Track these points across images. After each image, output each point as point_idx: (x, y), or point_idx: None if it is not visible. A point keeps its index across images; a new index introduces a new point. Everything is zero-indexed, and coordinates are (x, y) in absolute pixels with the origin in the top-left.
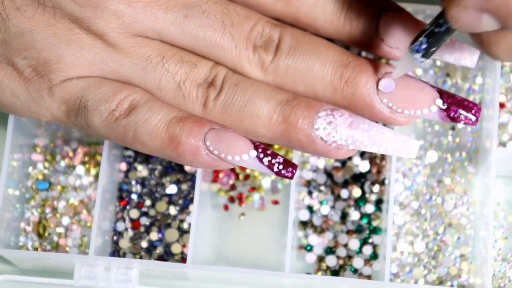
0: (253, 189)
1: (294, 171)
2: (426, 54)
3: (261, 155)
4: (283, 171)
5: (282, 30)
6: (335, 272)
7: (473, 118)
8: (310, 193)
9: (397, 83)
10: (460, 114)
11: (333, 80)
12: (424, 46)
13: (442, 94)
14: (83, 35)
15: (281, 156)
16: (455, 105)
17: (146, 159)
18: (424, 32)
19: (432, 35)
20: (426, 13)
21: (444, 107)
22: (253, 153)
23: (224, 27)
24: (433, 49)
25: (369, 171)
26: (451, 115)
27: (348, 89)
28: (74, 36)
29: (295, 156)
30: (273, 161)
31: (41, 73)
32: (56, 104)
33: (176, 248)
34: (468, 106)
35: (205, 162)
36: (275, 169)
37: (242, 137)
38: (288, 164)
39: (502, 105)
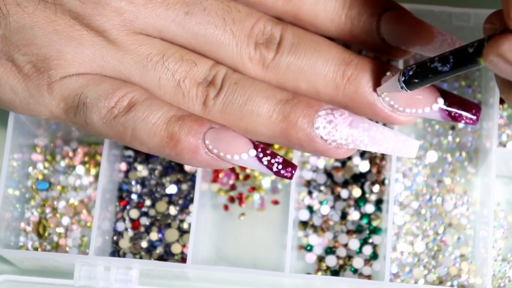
0: (253, 189)
1: (293, 171)
2: (409, 81)
3: (261, 155)
4: (282, 171)
5: (284, 28)
6: (335, 272)
7: (474, 117)
8: (310, 193)
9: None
10: (461, 113)
11: (335, 78)
12: (410, 73)
13: (444, 93)
14: (84, 31)
15: (281, 156)
16: (456, 104)
17: (146, 159)
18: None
19: (423, 67)
20: (426, 13)
21: (445, 107)
22: (253, 152)
23: (225, 24)
24: (416, 80)
25: (369, 171)
26: (452, 114)
27: (350, 87)
28: (75, 32)
29: (295, 156)
30: (273, 161)
31: (40, 70)
32: (55, 101)
33: (176, 248)
34: (469, 105)
35: (204, 161)
36: (274, 169)
37: (241, 136)
38: (287, 164)
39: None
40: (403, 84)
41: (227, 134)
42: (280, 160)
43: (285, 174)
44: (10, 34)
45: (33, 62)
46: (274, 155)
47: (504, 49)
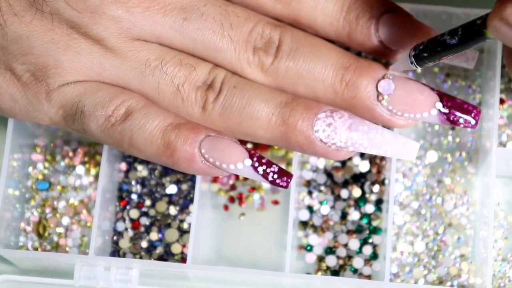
0: (253, 189)
1: (289, 180)
2: (419, 55)
3: (256, 164)
4: (277, 180)
5: (283, 31)
6: (335, 272)
7: (473, 121)
8: (310, 193)
9: (397, 86)
10: (460, 117)
11: (333, 83)
12: (420, 47)
13: (442, 97)
14: (81, 40)
15: (276, 165)
16: (455, 108)
17: None
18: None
19: (432, 41)
20: (426, 13)
21: (444, 111)
22: (248, 161)
23: (223, 29)
24: (425, 54)
25: (369, 171)
26: (451, 118)
27: (348, 92)
28: (72, 41)
29: (295, 156)
30: (268, 170)
31: (39, 78)
32: (53, 109)
33: (176, 248)
34: (468, 109)
35: (200, 169)
36: (270, 178)
37: (237, 145)
38: (283, 173)
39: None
40: (413, 59)
41: (223, 143)
42: (276, 169)
43: (281, 184)
44: (7, 43)
45: (31, 71)
46: (269, 164)
47: (507, 13)
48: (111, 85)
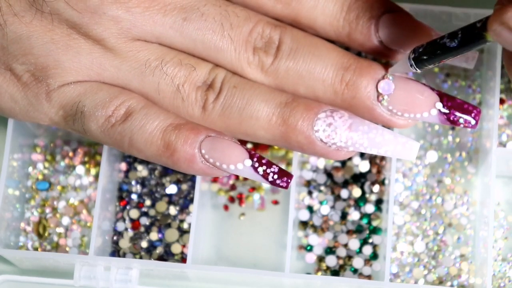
0: (253, 189)
1: (289, 180)
2: (418, 57)
3: (256, 164)
4: (277, 181)
5: (283, 31)
6: (335, 272)
7: (473, 121)
8: (310, 193)
9: (397, 86)
10: (460, 117)
11: (333, 83)
12: (420, 50)
13: (442, 97)
14: (81, 40)
15: (276, 166)
16: (455, 108)
17: None
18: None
19: (432, 43)
20: (426, 13)
21: (444, 111)
22: (248, 162)
23: (223, 29)
24: (424, 57)
25: (369, 171)
26: (451, 118)
27: (348, 92)
28: (72, 41)
29: (295, 156)
30: (268, 170)
31: (39, 78)
32: (53, 109)
33: (176, 248)
34: (468, 109)
35: (200, 169)
36: (270, 178)
37: (237, 145)
38: (283, 173)
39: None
40: (413, 62)
41: (223, 143)
42: (276, 169)
43: (281, 184)
44: (7, 44)
45: (31, 71)
46: (269, 164)
47: (508, 17)
48: (111, 85)
